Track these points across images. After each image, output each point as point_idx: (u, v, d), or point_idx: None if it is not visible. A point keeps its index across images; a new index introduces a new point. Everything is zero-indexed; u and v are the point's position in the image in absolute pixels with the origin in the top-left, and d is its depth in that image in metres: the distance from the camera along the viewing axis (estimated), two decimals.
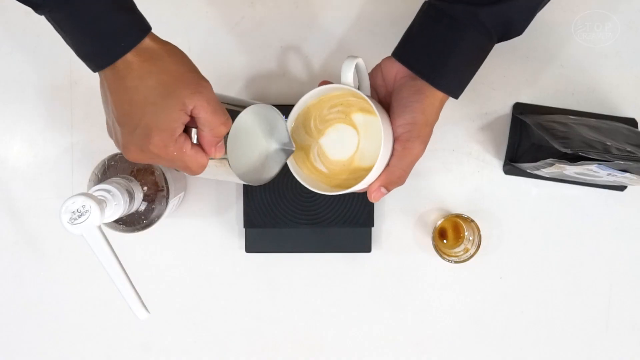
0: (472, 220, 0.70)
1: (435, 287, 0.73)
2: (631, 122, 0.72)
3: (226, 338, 0.74)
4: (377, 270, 0.74)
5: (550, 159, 0.62)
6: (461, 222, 0.72)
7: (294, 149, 0.57)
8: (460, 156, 0.73)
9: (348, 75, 0.56)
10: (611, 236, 0.73)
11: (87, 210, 0.51)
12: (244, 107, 0.52)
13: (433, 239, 0.70)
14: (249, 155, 0.57)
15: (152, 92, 0.47)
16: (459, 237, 0.73)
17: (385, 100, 0.60)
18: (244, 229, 0.72)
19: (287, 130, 0.57)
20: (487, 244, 0.72)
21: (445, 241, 0.73)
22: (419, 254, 0.73)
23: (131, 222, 0.63)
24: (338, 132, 0.58)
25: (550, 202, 0.73)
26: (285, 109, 0.59)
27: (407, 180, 0.58)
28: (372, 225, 0.71)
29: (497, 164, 0.73)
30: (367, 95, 0.56)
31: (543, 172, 0.67)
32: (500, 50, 0.60)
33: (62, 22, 0.46)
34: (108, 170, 0.62)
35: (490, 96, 0.73)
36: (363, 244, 0.71)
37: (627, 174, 0.61)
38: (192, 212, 0.74)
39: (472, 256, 0.70)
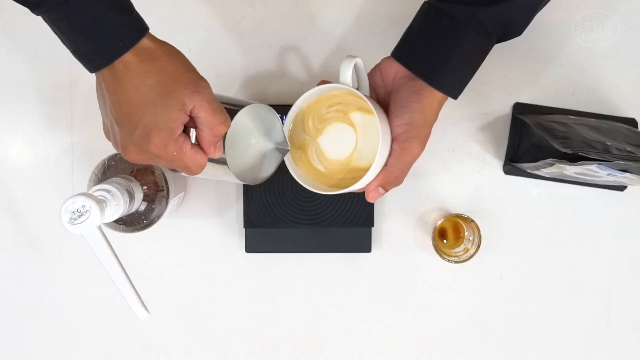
0: (472, 220, 0.70)
1: (435, 287, 0.73)
2: (631, 122, 0.72)
3: (226, 338, 0.74)
4: (377, 270, 0.74)
5: (550, 159, 0.62)
6: (461, 222, 0.72)
7: (288, 148, 0.57)
8: (460, 156, 0.73)
9: (347, 75, 0.56)
10: (611, 236, 0.73)
11: (87, 210, 0.51)
12: (240, 106, 0.52)
13: (433, 239, 0.70)
14: (246, 155, 0.58)
15: (151, 92, 0.47)
16: (459, 237, 0.73)
17: (384, 100, 0.60)
18: (244, 229, 0.72)
19: (282, 130, 0.57)
20: (487, 244, 0.72)
21: (445, 241, 0.73)
22: (419, 254, 0.73)
23: (131, 222, 0.63)
24: (336, 131, 0.58)
25: (550, 202, 0.73)
26: (284, 109, 0.59)
27: (407, 180, 0.58)
28: (372, 225, 0.71)
29: (497, 164, 0.73)
30: (366, 95, 0.56)
31: (543, 172, 0.67)
32: (500, 50, 0.60)
33: (60, 22, 0.46)
34: (108, 170, 0.63)
35: (490, 96, 0.73)
36: (363, 244, 0.71)
37: (627, 174, 0.61)
38: (192, 212, 0.74)
39: (472, 256, 0.70)
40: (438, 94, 0.56)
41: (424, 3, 0.58)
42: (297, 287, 0.74)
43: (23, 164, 0.74)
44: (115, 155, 0.63)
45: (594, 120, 0.69)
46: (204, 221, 0.74)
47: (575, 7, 0.72)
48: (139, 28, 0.47)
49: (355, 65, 0.57)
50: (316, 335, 0.74)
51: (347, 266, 0.74)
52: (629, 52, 0.73)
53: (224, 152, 0.51)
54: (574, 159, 0.59)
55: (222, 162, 0.52)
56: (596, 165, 0.58)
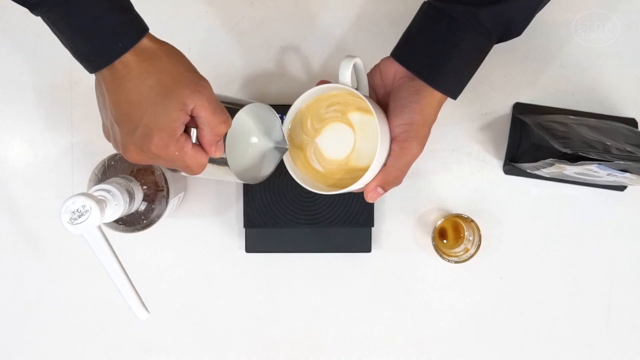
0: (472, 220, 0.70)
1: (435, 287, 0.73)
2: (631, 122, 0.72)
3: (226, 338, 0.74)
4: (377, 270, 0.74)
5: (550, 159, 0.62)
6: (461, 222, 0.72)
7: (287, 147, 0.57)
8: (460, 156, 0.73)
9: (346, 74, 0.56)
10: (611, 236, 0.73)
11: (87, 210, 0.51)
12: (240, 106, 0.52)
13: (433, 239, 0.70)
14: (246, 154, 0.58)
15: (151, 92, 0.47)
16: (459, 237, 0.73)
17: (383, 101, 0.60)
18: (244, 229, 0.72)
19: (281, 129, 0.57)
20: (487, 244, 0.72)
21: (445, 241, 0.73)
22: (419, 254, 0.73)
23: (131, 222, 0.63)
24: (334, 131, 0.58)
25: (550, 202, 0.73)
26: (284, 109, 0.59)
27: (407, 180, 0.58)
28: (372, 225, 0.71)
29: (497, 164, 0.73)
30: (365, 95, 0.56)
31: (543, 172, 0.67)
32: (500, 50, 0.60)
33: (59, 22, 0.46)
34: (108, 170, 0.63)
35: (490, 96, 0.73)
36: (363, 244, 0.71)
37: (627, 174, 0.61)
38: (192, 212, 0.74)
39: (472, 256, 0.70)
40: (437, 94, 0.56)
41: (424, 3, 0.58)
42: (297, 287, 0.74)
43: (23, 164, 0.74)
44: (115, 155, 0.63)
45: (594, 120, 0.69)
46: (204, 221, 0.74)
47: (575, 7, 0.72)
48: (139, 28, 0.47)
49: (354, 65, 0.57)
50: (316, 335, 0.74)
51: (347, 266, 0.73)
52: (629, 52, 0.73)
53: (224, 151, 0.51)
54: (574, 159, 0.59)
55: (222, 161, 0.52)
56: (596, 165, 0.58)
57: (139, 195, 0.61)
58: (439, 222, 0.70)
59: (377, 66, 0.60)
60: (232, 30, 0.73)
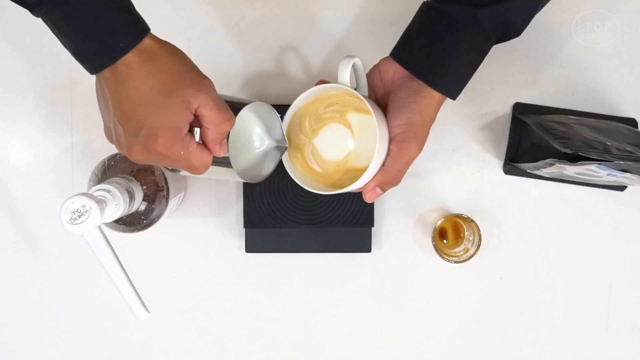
0: (472, 220, 0.70)
1: (435, 287, 0.73)
2: (631, 122, 0.72)
3: (226, 338, 0.74)
4: (377, 270, 0.74)
5: (550, 159, 0.62)
6: (461, 222, 0.72)
7: (287, 145, 0.57)
8: (460, 156, 0.73)
9: (345, 75, 0.56)
10: (611, 236, 0.73)
11: (87, 210, 0.51)
12: (241, 105, 0.52)
13: (433, 239, 0.70)
14: (247, 153, 0.58)
15: (153, 92, 0.46)
16: (459, 237, 0.73)
17: (382, 101, 0.60)
18: (244, 229, 0.72)
19: (281, 127, 0.57)
20: (487, 244, 0.72)
21: (445, 241, 0.73)
22: (419, 254, 0.73)
23: (131, 222, 0.63)
24: (332, 132, 0.58)
25: (550, 202, 0.73)
26: (284, 109, 0.59)
27: (407, 180, 0.58)
28: (372, 225, 0.71)
29: (497, 164, 0.73)
30: (364, 95, 0.56)
31: (543, 172, 0.67)
32: (500, 51, 0.60)
33: (59, 23, 0.46)
34: (108, 170, 0.63)
35: (490, 96, 0.73)
36: (363, 244, 0.71)
37: (627, 174, 0.61)
38: (192, 212, 0.74)
39: (472, 256, 0.70)
40: (437, 95, 0.56)
41: (423, 3, 0.58)
42: (297, 287, 0.74)
43: (23, 164, 0.74)
44: (115, 155, 0.63)
45: (594, 120, 0.69)
46: (204, 221, 0.74)
47: (575, 7, 0.72)
48: (140, 28, 0.47)
49: (353, 65, 0.57)
50: (316, 335, 0.74)
51: (347, 266, 0.74)
52: (629, 52, 0.73)
53: (227, 150, 0.51)
54: (574, 159, 0.59)
55: (223, 160, 0.52)
56: (596, 165, 0.58)
57: (139, 195, 0.61)
58: (439, 222, 0.70)
59: (376, 66, 0.60)
60: (232, 30, 0.73)
